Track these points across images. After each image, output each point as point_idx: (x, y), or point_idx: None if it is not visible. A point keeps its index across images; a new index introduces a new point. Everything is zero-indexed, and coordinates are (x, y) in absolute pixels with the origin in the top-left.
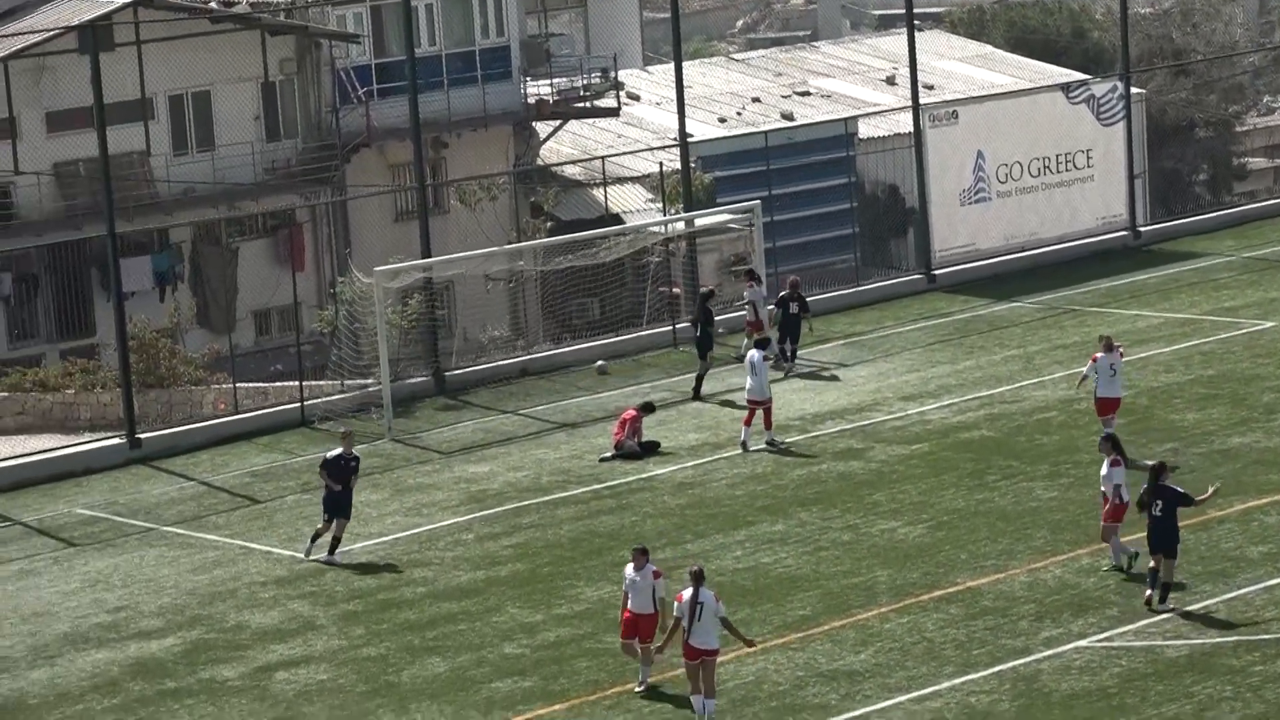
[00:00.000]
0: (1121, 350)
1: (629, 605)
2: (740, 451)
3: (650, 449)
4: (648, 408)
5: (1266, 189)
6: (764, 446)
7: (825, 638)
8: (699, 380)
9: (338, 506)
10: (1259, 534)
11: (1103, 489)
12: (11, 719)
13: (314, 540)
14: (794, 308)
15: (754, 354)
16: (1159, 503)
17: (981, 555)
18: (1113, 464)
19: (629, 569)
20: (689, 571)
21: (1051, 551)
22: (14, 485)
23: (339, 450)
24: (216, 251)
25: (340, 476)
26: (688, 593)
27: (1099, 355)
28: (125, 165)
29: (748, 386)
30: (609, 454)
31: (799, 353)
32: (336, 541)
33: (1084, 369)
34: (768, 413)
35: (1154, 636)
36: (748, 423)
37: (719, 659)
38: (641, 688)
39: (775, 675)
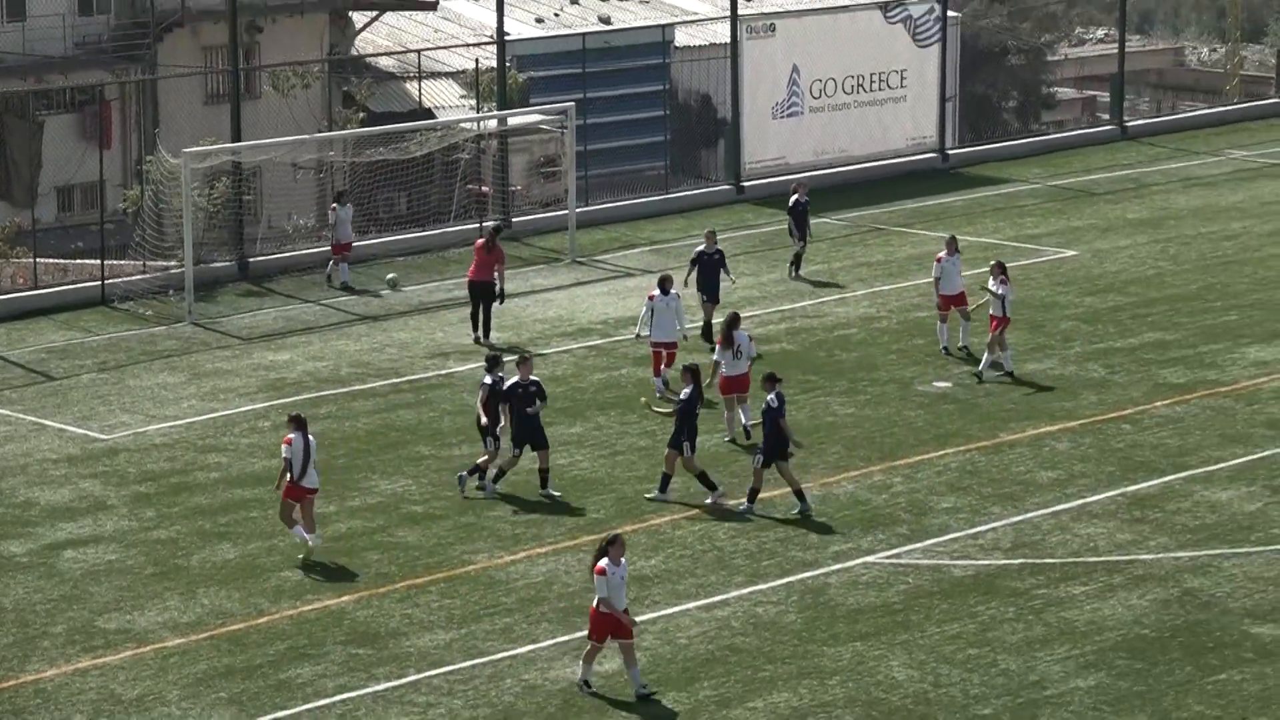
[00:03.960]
0: (939, 254)
1: (603, 607)
2: (546, 351)
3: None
4: (496, 229)
5: (1074, 119)
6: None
7: None
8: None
9: (534, 436)
10: (1049, 459)
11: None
12: None
13: (472, 473)
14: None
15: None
16: None
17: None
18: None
19: (605, 563)
20: (289, 416)
21: (845, 467)
22: None
23: (515, 378)
24: (22, 124)
25: (528, 403)
26: (295, 436)
27: (942, 255)
28: None
29: (655, 327)
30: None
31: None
32: (545, 473)
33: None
34: (670, 356)
35: (941, 556)
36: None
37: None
38: (586, 685)
39: (565, 577)
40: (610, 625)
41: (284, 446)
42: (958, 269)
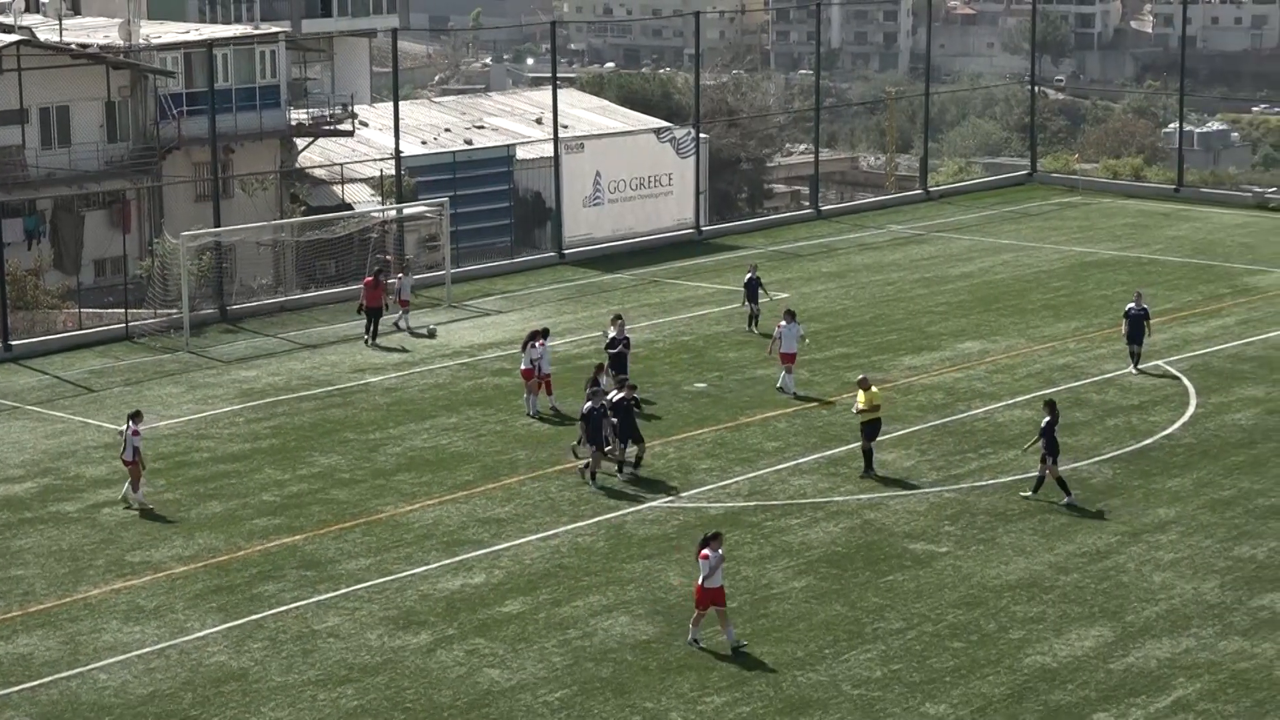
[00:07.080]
0: (780, 323)
1: (705, 584)
2: (431, 367)
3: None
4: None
5: (785, 205)
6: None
7: (483, 496)
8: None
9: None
10: (773, 434)
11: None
12: None
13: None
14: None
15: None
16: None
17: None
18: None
19: (707, 551)
20: (130, 414)
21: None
22: None
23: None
24: (70, 217)
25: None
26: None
27: (782, 324)
28: (6, 155)
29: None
30: (368, 335)
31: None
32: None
33: (775, 332)
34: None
35: (701, 500)
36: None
37: (398, 510)
38: (695, 643)
39: (447, 520)
40: (710, 597)
41: (135, 436)
42: (794, 333)
